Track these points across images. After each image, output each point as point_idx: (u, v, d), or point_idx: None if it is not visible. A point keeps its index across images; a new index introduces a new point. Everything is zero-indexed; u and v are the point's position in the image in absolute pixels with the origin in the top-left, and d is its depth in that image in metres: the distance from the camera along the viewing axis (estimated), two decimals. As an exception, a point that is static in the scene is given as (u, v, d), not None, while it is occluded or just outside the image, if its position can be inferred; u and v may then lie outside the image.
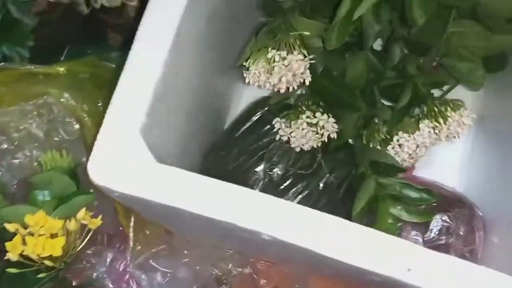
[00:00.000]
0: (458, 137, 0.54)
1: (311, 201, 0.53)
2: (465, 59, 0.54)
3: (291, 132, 0.51)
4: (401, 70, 0.55)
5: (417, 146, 0.52)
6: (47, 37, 0.60)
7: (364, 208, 0.50)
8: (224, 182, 0.34)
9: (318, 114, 0.50)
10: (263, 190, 0.52)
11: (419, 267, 0.32)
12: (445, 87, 0.58)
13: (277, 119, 0.52)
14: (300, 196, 0.53)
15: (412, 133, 0.52)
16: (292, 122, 0.51)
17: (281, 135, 0.52)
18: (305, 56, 0.48)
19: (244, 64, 0.49)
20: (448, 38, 0.52)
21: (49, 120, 0.53)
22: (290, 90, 0.49)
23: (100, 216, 0.49)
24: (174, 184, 0.34)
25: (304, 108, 0.51)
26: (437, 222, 0.51)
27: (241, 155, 0.54)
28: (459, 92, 0.57)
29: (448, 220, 0.51)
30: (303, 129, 0.50)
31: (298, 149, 0.52)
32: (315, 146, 0.52)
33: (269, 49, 0.47)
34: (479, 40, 0.52)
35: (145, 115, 0.37)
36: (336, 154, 0.54)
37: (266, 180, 0.52)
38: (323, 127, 0.50)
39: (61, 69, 0.55)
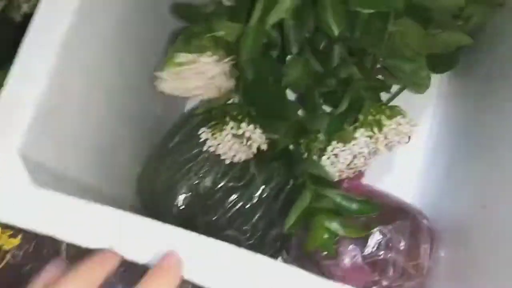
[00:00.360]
0: (401, 145, 0.50)
1: (244, 215, 0.49)
2: (409, 59, 0.51)
3: (219, 144, 0.47)
4: (342, 73, 0.51)
5: (355, 156, 0.48)
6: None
7: (298, 221, 0.47)
8: (94, 204, 0.31)
9: (243, 125, 0.46)
10: (190, 205, 0.49)
11: None
12: (394, 91, 0.55)
13: (204, 129, 0.48)
14: (232, 209, 0.49)
15: (349, 143, 0.48)
16: (218, 134, 0.47)
17: (209, 147, 0.48)
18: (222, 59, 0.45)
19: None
20: (390, 38, 0.49)
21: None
22: (212, 95, 0.46)
23: (19, 236, 0.47)
24: (46, 208, 0.32)
25: (228, 118, 0.47)
26: (376, 236, 0.47)
27: (172, 167, 0.51)
28: (422, 96, 0.53)
29: (387, 234, 0.47)
30: (228, 140, 0.47)
31: (228, 161, 0.48)
32: (245, 158, 0.48)
33: (179, 53, 0.43)
34: (420, 39, 0.49)
35: (28, 130, 0.34)
36: (272, 163, 0.51)
37: (193, 194, 0.49)
38: (249, 138, 0.47)
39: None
